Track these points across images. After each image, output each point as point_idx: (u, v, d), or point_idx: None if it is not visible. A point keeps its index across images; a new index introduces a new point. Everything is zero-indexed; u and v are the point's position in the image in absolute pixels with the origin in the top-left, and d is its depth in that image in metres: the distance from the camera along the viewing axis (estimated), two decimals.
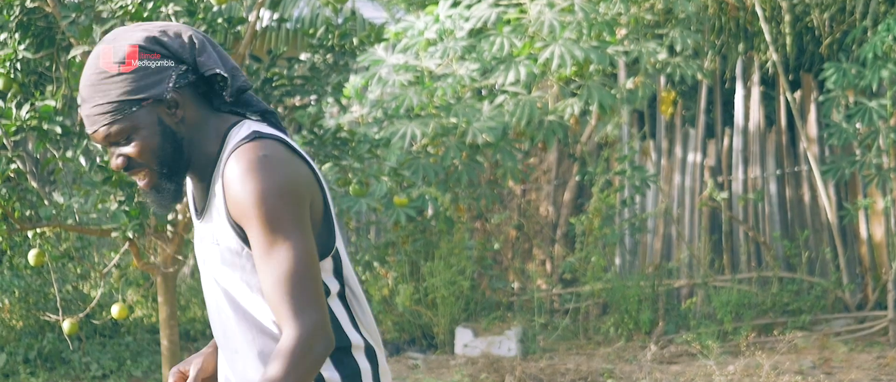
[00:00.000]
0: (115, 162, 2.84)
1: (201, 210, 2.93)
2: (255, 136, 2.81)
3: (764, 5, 10.23)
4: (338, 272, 2.90)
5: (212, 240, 2.88)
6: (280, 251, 2.76)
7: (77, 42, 6.00)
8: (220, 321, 2.96)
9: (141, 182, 2.87)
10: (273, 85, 7.29)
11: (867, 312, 9.83)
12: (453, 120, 8.93)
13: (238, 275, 2.87)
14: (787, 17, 10.41)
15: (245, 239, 2.82)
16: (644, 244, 10.81)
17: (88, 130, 2.82)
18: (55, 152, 6.17)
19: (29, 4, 6.17)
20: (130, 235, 6.01)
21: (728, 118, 10.99)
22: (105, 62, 2.81)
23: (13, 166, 5.98)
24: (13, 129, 5.84)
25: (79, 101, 2.84)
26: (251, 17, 6.90)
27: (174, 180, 2.87)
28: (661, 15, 9.69)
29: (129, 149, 2.82)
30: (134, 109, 2.80)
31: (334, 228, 2.90)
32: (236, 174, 2.76)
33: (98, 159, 6.16)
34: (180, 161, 2.86)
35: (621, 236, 10.39)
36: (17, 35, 6.18)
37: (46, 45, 6.33)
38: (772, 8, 10.44)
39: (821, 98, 9.93)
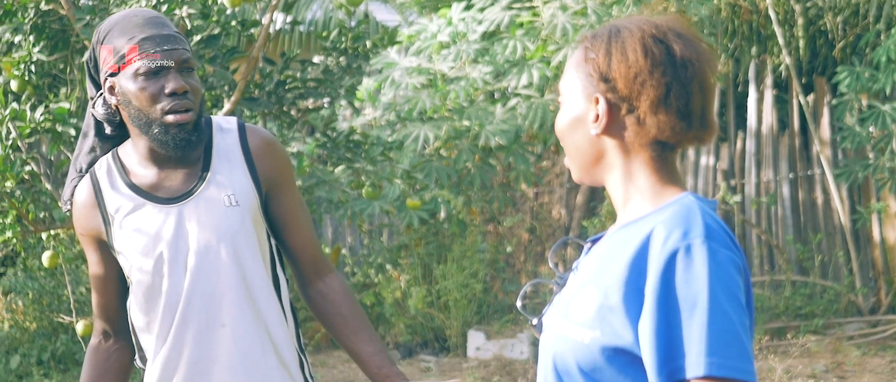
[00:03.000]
0: (180, 84, 3.09)
1: (190, 189, 3.17)
2: (242, 121, 3.27)
3: (777, 9, 10.22)
4: None
5: (227, 203, 3.14)
6: (306, 209, 3.34)
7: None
8: (205, 296, 3.14)
9: (186, 115, 3.09)
10: (286, 88, 7.30)
11: (880, 316, 9.82)
12: (466, 123, 8.93)
13: (251, 240, 3.16)
14: (800, 21, 10.40)
15: (262, 201, 3.20)
16: None
17: (173, 45, 3.12)
18: (69, 155, 6.18)
19: (43, 7, 6.19)
20: None
21: (741, 122, 10.98)
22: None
23: (27, 167, 6.00)
24: (27, 131, 5.86)
25: (156, 26, 3.13)
26: (264, 20, 6.92)
27: (199, 130, 3.14)
28: None
29: (194, 82, 3.13)
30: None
31: None
32: (268, 141, 3.25)
33: None
34: (201, 118, 3.16)
35: None
36: (31, 37, 6.20)
37: (61, 47, 6.35)
38: (785, 11, 10.43)
39: (834, 101, 9.92)
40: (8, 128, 5.70)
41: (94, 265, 3.28)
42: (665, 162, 2.20)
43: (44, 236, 6.35)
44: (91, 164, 3.27)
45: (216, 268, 3.14)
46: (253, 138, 3.24)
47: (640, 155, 2.19)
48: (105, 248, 3.24)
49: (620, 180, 2.22)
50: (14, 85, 6.19)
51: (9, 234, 5.76)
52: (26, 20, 6.24)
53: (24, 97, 6.22)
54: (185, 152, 3.14)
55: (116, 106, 3.17)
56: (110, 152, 3.26)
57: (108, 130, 3.25)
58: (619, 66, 2.16)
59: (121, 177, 3.19)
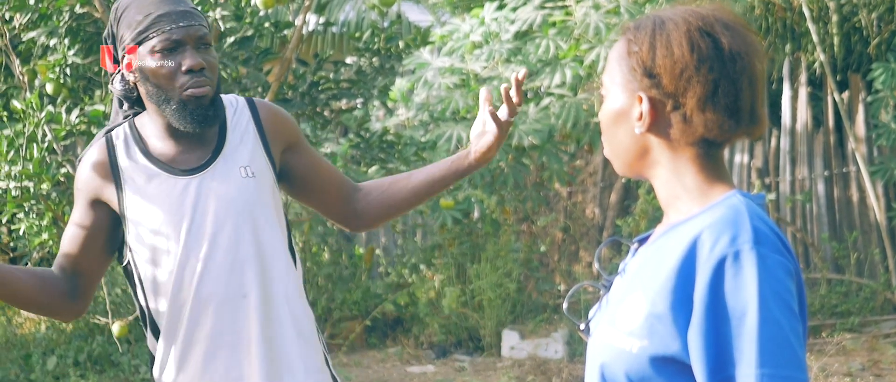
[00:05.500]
0: (197, 60, 3.13)
1: (207, 162, 3.20)
2: (250, 98, 3.38)
3: (811, 6, 10.17)
4: None
5: (243, 175, 3.20)
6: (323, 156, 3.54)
7: None
8: (224, 266, 3.17)
9: (203, 89, 3.13)
10: (320, 88, 7.32)
11: None
12: None
13: (268, 211, 3.22)
14: (834, 18, 10.35)
15: (277, 173, 3.29)
16: None
17: (190, 21, 3.16)
18: None
19: (78, 10, 6.23)
20: None
21: (775, 119, 10.93)
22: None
23: (63, 170, 6.03)
24: (63, 133, 5.90)
25: (172, 3, 3.17)
26: (298, 22, 6.94)
27: (216, 105, 3.19)
28: None
29: (211, 58, 3.17)
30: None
31: None
32: (276, 110, 3.36)
33: None
34: (218, 94, 3.21)
35: None
36: (66, 40, 6.24)
37: (95, 50, 6.38)
38: (819, 8, 10.38)
39: (869, 98, 9.87)
40: (44, 130, 5.73)
41: (80, 220, 3.24)
42: (712, 159, 2.13)
43: None
44: (111, 129, 3.29)
45: (234, 239, 3.16)
46: (263, 111, 3.32)
47: (687, 153, 2.11)
48: (104, 210, 3.22)
49: (666, 177, 2.14)
50: (49, 88, 6.23)
51: (45, 236, 5.80)
52: (61, 23, 6.28)
53: (59, 100, 6.26)
54: (203, 127, 3.17)
55: (134, 82, 3.20)
56: (126, 123, 3.28)
57: (125, 106, 3.29)
58: (663, 61, 2.08)
59: (138, 146, 3.22)
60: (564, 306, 2.37)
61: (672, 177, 2.14)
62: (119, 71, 3.23)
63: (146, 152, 3.21)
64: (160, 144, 3.21)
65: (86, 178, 3.24)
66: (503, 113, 3.22)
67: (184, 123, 3.14)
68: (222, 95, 3.28)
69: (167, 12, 3.12)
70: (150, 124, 3.23)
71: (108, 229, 3.25)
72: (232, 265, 3.16)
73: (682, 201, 2.14)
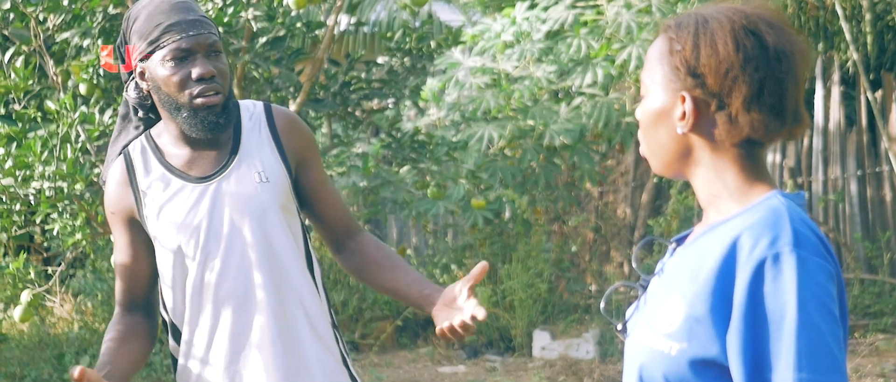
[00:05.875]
0: (207, 68, 3.14)
1: (222, 168, 3.25)
2: (267, 102, 3.41)
3: (844, 4, 10.13)
4: None
5: (258, 179, 3.24)
6: (332, 181, 3.51)
7: None
8: (240, 270, 3.23)
9: (213, 98, 3.18)
10: (351, 88, 7.33)
11: None
12: (530, 122, 8.92)
13: (283, 216, 3.26)
14: (867, 16, 10.30)
15: (292, 178, 3.31)
16: None
17: (199, 30, 3.19)
18: None
19: (111, 11, 6.25)
20: None
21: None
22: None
23: (96, 170, 6.06)
24: (96, 134, 5.92)
25: (182, 11, 3.20)
26: (329, 22, 6.95)
27: (228, 111, 3.22)
28: None
29: (221, 65, 3.20)
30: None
31: None
32: (293, 119, 3.37)
33: None
34: (229, 101, 3.24)
35: None
36: (99, 41, 6.26)
37: None
38: (852, 6, 10.34)
39: None
40: (77, 131, 5.76)
41: (123, 245, 3.33)
42: (753, 159, 2.09)
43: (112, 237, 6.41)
44: (127, 144, 3.35)
45: (250, 243, 3.22)
46: (279, 118, 3.35)
47: (729, 152, 2.09)
48: (137, 226, 3.30)
49: (706, 177, 2.12)
50: (83, 88, 6.26)
51: (78, 236, 5.82)
52: (94, 24, 6.30)
53: (92, 101, 6.28)
54: (214, 133, 3.22)
55: (148, 91, 3.25)
56: (144, 134, 3.34)
57: (140, 113, 3.34)
58: (708, 60, 2.05)
59: (155, 156, 3.28)
60: (602, 306, 2.35)
61: (713, 176, 2.11)
62: (132, 79, 3.29)
63: (163, 161, 3.27)
64: (176, 151, 3.27)
65: (114, 200, 3.31)
66: (471, 310, 3.08)
67: (195, 130, 3.20)
68: (241, 101, 3.36)
69: (177, 21, 3.17)
70: (166, 132, 3.29)
71: (149, 242, 3.32)
72: (247, 267, 3.23)
73: (722, 201, 2.11)
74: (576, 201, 10.67)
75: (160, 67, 3.17)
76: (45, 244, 8.70)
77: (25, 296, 6.03)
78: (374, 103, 8.05)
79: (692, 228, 2.25)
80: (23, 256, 6.15)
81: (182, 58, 3.16)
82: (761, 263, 1.96)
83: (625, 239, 10.94)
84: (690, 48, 2.07)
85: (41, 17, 6.26)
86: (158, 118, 3.34)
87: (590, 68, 8.62)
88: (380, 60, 8.88)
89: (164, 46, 3.16)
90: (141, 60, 3.22)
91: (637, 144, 10.48)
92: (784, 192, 2.09)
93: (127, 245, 3.32)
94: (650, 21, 8.57)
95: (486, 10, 11.31)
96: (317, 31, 6.93)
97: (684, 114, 2.09)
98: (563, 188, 10.23)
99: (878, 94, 10.35)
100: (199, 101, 3.16)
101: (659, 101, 2.13)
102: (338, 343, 3.36)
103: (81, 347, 9.43)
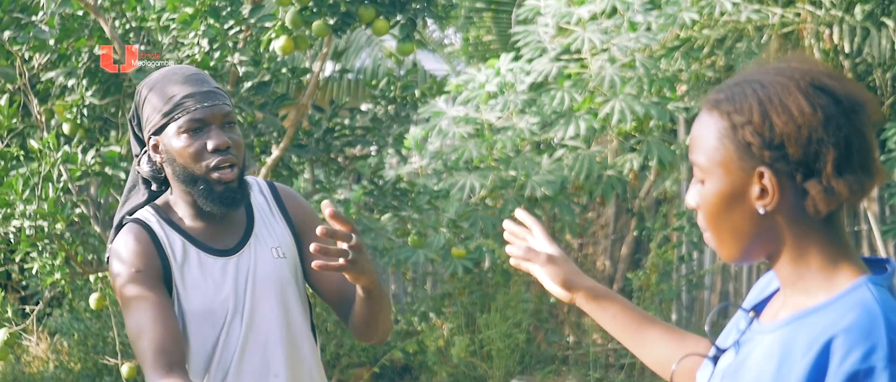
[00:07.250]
0: (223, 139, 3.15)
1: (241, 242, 3.26)
2: (270, 181, 3.46)
3: (826, 63, 10.18)
4: None
5: (275, 255, 3.26)
6: None
7: None
8: (259, 345, 3.22)
9: (229, 172, 3.16)
10: (334, 135, 7.35)
11: None
12: (512, 173, 8.94)
13: (297, 290, 3.30)
14: (849, 76, 10.37)
15: (300, 251, 3.33)
16: (701, 301, 10.76)
17: (214, 101, 3.17)
18: (118, 197, 6.24)
19: (97, 52, 6.27)
20: None
21: None
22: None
23: (77, 210, 6.06)
24: (78, 173, 5.92)
25: (196, 83, 3.19)
26: (314, 68, 6.98)
27: (243, 186, 3.22)
28: (722, 72, 9.68)
29: (236, 136, 3.19)
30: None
31: None
32: (295, 194, 3.42)
33: None
34: (244, 174, 3.24)
35: (678, 292, 10.34)
36: (84, 81, 6.27)
37: (112, 91, 6.42)
38: (834, 66, 10.41)
39: (882, 157, 9.86)
40: (59, 170, 5.76)
41: (155, 303, 3.14)
42: (835, 229, 1.96)
43: (91, 278, 6.40)
44: (134, 210, 3.32)
45: (270, 318, 3.23)
46: (284, 194, 3.40)
47: (812, 226, 1.94)
48: (165, 287, 3.19)
49: (789, 258, 1.96)
50: (66, 128, 6.27)
51: (57, 275, 5.81)
52: (79, 64, 6.32)
53: (75, 140, 6.28)
54: (231, 208, 3.20)
55: (161, 164, 3.23)
56: (148, 206, 3.29)
57: (153, 186, 3.32)
58: (785, 127, 1.87)
59: (171, 227, 3.24)
60: (706, 328, 2.15)
61: (796, 255, 1.97)
62: (145, 151, 3.27)
63: (181, 231, 3.24)
64: (193, 224, 3.25)
65: (142, 259, 3.18)
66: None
67: (211, 205, 3.18)
68: (246, 177, 3.35)
69: (191, 93, 3.16)
70: (180, 205, 3.26)
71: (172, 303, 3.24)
72: (266, 345, 3.23)
73: (805, 281, 1.97)
74: None
75: (175, 139, 3.15)
76: (23, 282, 8.67)
77: (2, 334, 6.01)
78: (357, 150, 8.07)
79: (767, 294, 2.12)
80: (0, 294, 6.13)
81: (197, 129, 3.15)
82: (853, 375, 1.84)
83: None
84: (759, 118, 1.91)
85: (27, 56, 6.27)
86: (164, 190, 3.33)
87: (572, 121, 8.66)
88: (364, 107, 8.91)
89: (179, 118, 3.15)
90: (154, 133, 3.20)
91: (617, 196, 10.51)
92: (872, 277, 1.95)
93: (159, 303, 3.14)
94: (633, 76, 8.62)
95: (470, 60, 11.36)
96: (302, 77, 6.95)
97: (764, 191, 1.93)
98: None
99: None
100: (215, 175, 3.15)
101: (725, 183, 1.96)
102: None
103: None
